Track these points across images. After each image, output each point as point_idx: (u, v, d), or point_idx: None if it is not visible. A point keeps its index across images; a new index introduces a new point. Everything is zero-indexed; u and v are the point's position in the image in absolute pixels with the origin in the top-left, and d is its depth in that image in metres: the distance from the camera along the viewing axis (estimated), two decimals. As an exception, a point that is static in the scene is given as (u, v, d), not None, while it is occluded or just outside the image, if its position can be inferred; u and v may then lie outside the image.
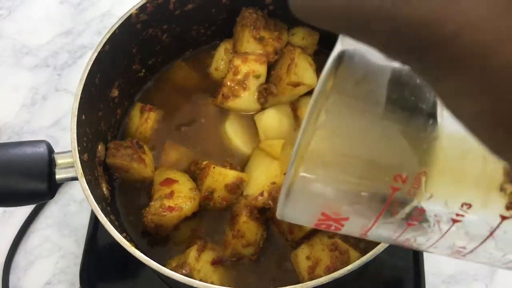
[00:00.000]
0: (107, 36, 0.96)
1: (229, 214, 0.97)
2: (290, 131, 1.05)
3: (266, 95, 1.05)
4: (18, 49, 1.40)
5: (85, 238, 1.10)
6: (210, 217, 0.98)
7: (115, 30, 0.97)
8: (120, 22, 0.98)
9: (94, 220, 1.11)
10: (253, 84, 1.06)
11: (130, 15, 0.99)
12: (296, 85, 1.03)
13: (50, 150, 0.90)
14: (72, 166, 0.87)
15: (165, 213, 0.92)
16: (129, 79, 1.08)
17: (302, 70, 1.03)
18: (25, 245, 1.17)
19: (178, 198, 0.94)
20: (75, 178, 0.87)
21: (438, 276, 1.12)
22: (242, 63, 1.06)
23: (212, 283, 0.87)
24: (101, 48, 0.95)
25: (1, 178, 0.86)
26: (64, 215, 1.19)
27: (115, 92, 1.04)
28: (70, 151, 0.87)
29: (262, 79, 1.06)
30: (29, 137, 1.28)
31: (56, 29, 1.42)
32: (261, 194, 0.96)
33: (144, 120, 1.07)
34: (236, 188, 0.96)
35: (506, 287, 1.11)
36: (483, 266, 1.12)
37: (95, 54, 0.94)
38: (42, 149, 0.88)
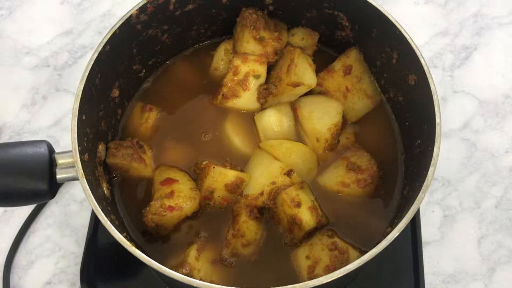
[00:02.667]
0: (108, 37, 0.96)
1: (229, 214, 0.97)
2: (290, 131, 1.05)
3: (266, 95, 1.06)
4: (18, 49, 1.40)
5: (85, 238, 1.10)
6: (210, 217, 0.98)
7: (115, 31, 0.97)
8: (120, 23, 0.97)
9: (94, 220, 1.11)
10: (253, 84, 1.06)
11: (131, 16, 0.99)
12: (296, 85, 1.03)
13: (51, 150, 0.90)
14: (73, 166, 0.87)
15: (165, 213, 0.92)
16: (129, 79, 1.08)
17: (302, 70, 1.03)
18: (26, 244, 1.17)
19: (178, 198, 0.94)
20: (75, 178, 0.87)
21: (437, 276, 1.13)
22: (242, 63, 1.06)
23: (212, 282, 0.87)
24: (102, 49, 0.95)
25: (1, 178, 0.86)
26: (64, 215, 1.20)
27: (116, 92, 1.04)
28: (71, 151, 0.87)
29: (262, 79, 1.07)
30: (29, 136, 1.28)
31: (56, 29, 1.43)
32: (261, 193, 0.97)
33: (145, 120, 1.07)
34: (236, 188, 0.97)
35: (505, 287, 1.12)
36: (482, 265, 1.13)
37: (96, 54, 0.94)
38: (43, 149, 0.88)
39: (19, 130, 1.29)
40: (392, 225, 0.92)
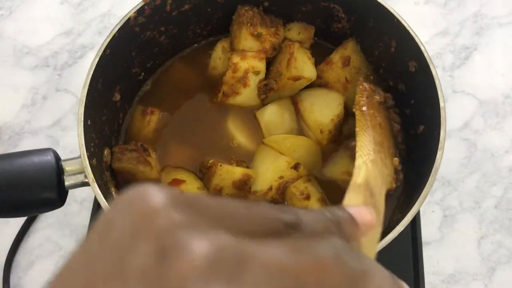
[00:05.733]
0: (108, 40, 0.95)
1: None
2: (292, 125, 1.05)
3: (267, 91, 1.06)
4: (18, 49, 1.39)
5: (86, 238, 1.10)
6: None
7: (115, 34, 0.96)
8: (119, 26, 0.97)
9: (94, 219, 1.11)
10: (253, 81, 1.06)
11: (129, 18, 0.98)
12: (297, 79, 1.03)
13: (57, 158, 0.89)
14: (80, 173, 0.87)
15: (176, 214, 0.92)
16: (129, 82, 1.07)
17: (302, 63, 1.04)
18: (26, 244, 1.17)
19: (187, 198, 0.94)
20: (84, 184, 0.87)
21: (437, 276, 1.13)
22: (241, 60, 1.06)
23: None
24: (102, 53, 0.94)
25: (10, 189, 0.85)
26: (64, 215, 1.19)
27: (117, 96, 1.03)
28: (78, 157, 0.87)
29: (262, 75, 1.07)
30: (29, 137, 1.28)
31: (56, 29, 1.42)
32: (270, 189, 0.97)
33: (147, 123, 1.07)
34: (244, 185, 0.97)
35: (505, 287, 1.12)
36: (482, 265, 1.14)
37: (97, 59, 0.93)
38: (50, 157, 0.88)
39: (19, 130, 1.29)
40: (396, 215, 0.92)
